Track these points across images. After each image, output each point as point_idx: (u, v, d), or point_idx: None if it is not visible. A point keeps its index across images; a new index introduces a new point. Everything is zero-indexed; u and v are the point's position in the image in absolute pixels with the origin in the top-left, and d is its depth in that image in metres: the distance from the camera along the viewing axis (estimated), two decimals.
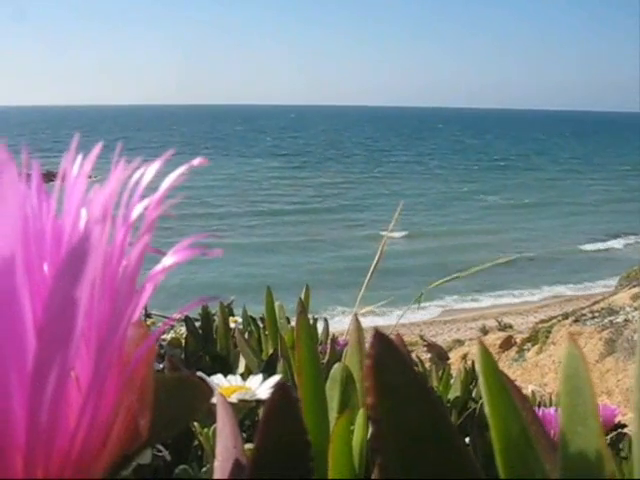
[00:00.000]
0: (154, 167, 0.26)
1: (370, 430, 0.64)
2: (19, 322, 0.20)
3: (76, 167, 0.26)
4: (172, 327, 1.70)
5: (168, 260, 0.25)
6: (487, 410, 0.30)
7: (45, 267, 0.23)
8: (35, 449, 0.22)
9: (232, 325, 1.69)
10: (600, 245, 25.05)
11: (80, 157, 0.26)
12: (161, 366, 1.12)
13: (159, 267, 0.25)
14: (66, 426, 0.23)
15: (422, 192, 36.03)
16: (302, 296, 1.41)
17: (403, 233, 24.24)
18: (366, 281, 1.69)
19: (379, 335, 0.23)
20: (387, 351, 0.23)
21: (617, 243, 25.46)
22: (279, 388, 0.25)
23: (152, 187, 0.26)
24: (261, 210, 30.59)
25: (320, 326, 1.79)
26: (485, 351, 0.29)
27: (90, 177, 0.26)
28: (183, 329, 1.61)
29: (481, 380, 0.29)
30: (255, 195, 34.91)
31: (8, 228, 0.19)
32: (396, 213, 1.68)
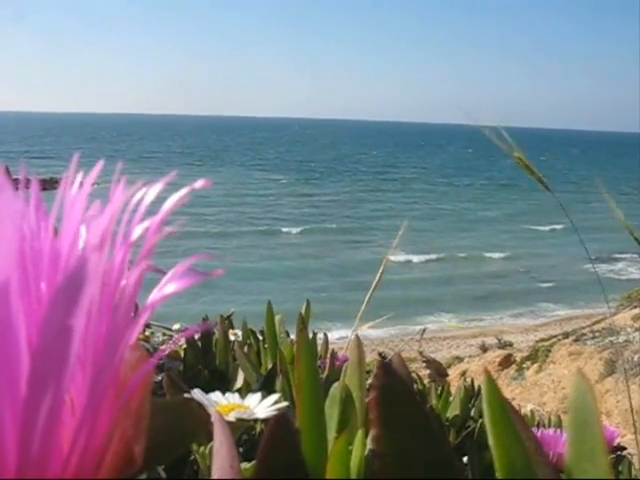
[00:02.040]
0: (156, 188, 0.25)
1: (367, 451, 0.63)
2: (13, 347, 0.20)
3: (76, 185, 0.25)
4: (171, 338, 1.69)
5: (170, 287, 0.24)
6: (491, 441, 0.29)
7: (42, 287, 0.22)
8: (26, 474, 0.21)
9: (231, 337, 1.68)
10: (602, 265, 25.06)
11: (80, 175, 0.25)
12: (159, 378, 1.12)
13: (159, 294, 0.24)
14: (59, 451, 0.22)
15: (430, 213, 35.55)
16: (302, 311, 1.40)
17: (429, 257, 23.74)
18: (367, 298, 1.68)
19: (385, 366, 0.22)
20: (393, 383, 0.22)
21: (619, 264, 25.49)
22: (279, 417, 0.24)
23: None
24: (261, 230, 29.45)
25: (319, 341, 1.78)
26: (491, 380, 0.29)
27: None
28: (182, 340, 1.61)
29: (486, 410, 0.29)
30: (254, 212, 33.91)
31: (4, 252, 0.19)
32: (400, 233, 1.68)
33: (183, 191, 0.25)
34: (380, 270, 1.65)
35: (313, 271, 22.49)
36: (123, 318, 0.23)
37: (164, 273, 0.26)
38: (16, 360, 0.20)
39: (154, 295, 0.25)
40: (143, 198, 0.25)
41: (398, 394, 0.22)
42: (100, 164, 0.26)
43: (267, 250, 25.67)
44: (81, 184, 0.25)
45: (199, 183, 0.25)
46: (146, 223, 0.25)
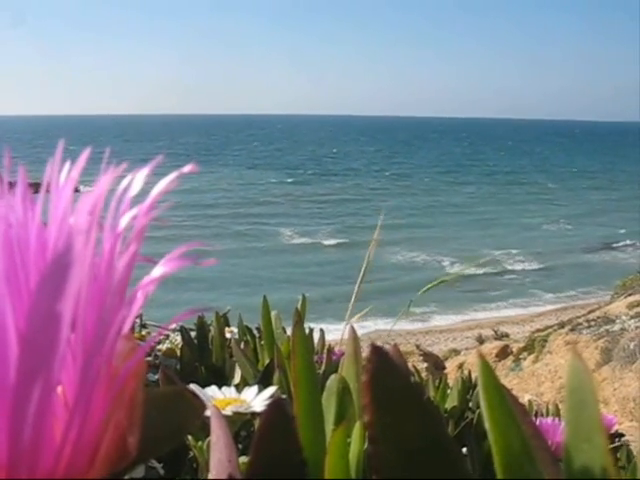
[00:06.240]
0: (142, 174, 0.25)
1: (366, 444, 0.63)
2: (0, 335, 0.20)
3: (63, 174, 0.25)
4: (167, 337, 1.69)
5: (158, 270, 0.24)
6: (487, 425, 0.29)
7: (30, 277, 0.22)
8: (18, 467, 0.21)
9: (228, 335, 1.68)
10: (596, 254, 25.15)
11: (67, 164, 0.25)
12: (156, 377, 1.11)
13: (148, 278, 0.24)
14: (51, 443, 0.22)
15: (429, 209, 34.68)
16: (299, 306, 1.40)
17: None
18: (356, 289, 1.67)
19: (376, 349, 0.22)
20: (385, 366, 0.22)
21: (613, 252, 25.56)
22: (274, 404, 0.24)
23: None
24: (256, 247, 26.67)
25: (316, 336, 1.78)
26: (486, 364, 0.29)
27: (83, 189, 0.25)
28: (179, 339, 1.60)
29: (481, 394, 0.28)
30: (247, 215, 32.45)
31: None
32: (379, 220, 1.67)
33: (171, 176, 0.25)
34: (364, 264, 1.64)
35: (315, 280, 21.14)
36: (114, 304, 0.22)
37: (155, 263, 0.26)
38: (4, 348, 0.20)
39: (144, 280, 0.24)
40: (130, 184, 0.25)
41: (389, 376, 0.22)
42: (86, 153, 0.26)
43: (255, 267, 23.34)
44: (68, 173, 0.25)
45: (187, 168, 0.25)
46: (134, 211, 0.24)
